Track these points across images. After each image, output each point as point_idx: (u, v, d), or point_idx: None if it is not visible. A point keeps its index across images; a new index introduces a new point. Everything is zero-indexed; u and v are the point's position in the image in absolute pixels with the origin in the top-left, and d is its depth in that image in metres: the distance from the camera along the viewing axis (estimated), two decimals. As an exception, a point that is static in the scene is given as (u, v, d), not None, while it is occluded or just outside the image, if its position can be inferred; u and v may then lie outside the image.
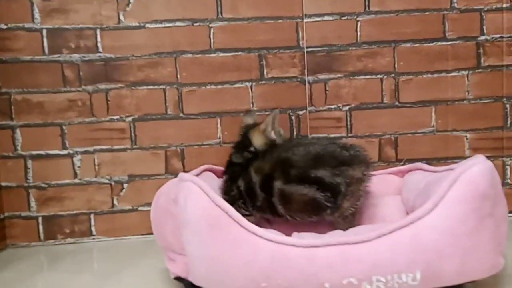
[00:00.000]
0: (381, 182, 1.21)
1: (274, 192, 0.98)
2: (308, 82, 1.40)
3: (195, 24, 1.36)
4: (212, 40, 1.37)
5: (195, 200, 0.87)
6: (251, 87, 1.39)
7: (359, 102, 1.41)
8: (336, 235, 0.87)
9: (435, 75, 1.41)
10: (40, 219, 1.38)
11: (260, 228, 0.84)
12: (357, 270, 0.78)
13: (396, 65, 1.40)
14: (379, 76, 1.40)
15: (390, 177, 1.24)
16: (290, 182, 0.97)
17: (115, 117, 1.38)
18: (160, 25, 1.36)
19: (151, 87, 1.38)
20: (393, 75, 1.40)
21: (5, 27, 1.32)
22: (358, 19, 1.38)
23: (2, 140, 1.35)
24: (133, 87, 1.37)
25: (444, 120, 1.42)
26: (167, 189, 1.02)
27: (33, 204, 1.37)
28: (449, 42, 1.40)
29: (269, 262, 0.80)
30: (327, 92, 1.40)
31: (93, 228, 1.40)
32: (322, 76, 1.40)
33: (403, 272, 0.78)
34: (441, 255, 0.79)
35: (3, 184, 1.36)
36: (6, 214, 1.37)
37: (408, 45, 1.40)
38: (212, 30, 1.37)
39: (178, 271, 0.92)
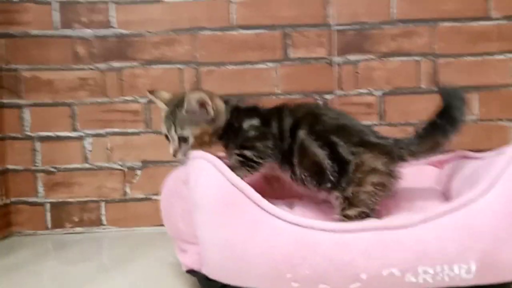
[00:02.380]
0: (418, 173, 1.09)
1: (296, 140, 0.90)
2: (337, 64, 1.28)
3: (215, -1, 1.27)
4: (233, 16, 1.27)
5: (207, 179, 0.76)
6: (274, 68, 1.29)
7: (393, 87, 1.29)
8: (372, 220, 0.75)
9: (478, 58, 1.28)
10: (47, 206, 1.29)
11: (282, 210, 0.73)
12: (399, 259, 0.66)
13: (435, 46, 1.28)
14: (415, 58, 1.28)
15: (428, 168, 1.12)
16: (311, 135, 0.89)
17: (128, 98, 1.29)
18: (178, -1, 1.27)
19: (166, 66, 1.29)
20: (431, 57, 1.28)
21: (15, -1, 1.26)
22: (393, -6, 1.27)
23: (9, 120, 1.27)
24: (147, 66, 1.28)
25: (487, 108, 1.28)
26: (178, 171, 0.92)
27: (40, 189, 1.29)
28: (494, 22, 1.27)
29: (294, 249, 0.69)
30: (357, 74, 1.29)
31: (103, 217, 1.30)
32: (352, 57, 1.28)
33: (455, 262, 0.65)
34: (499, 243, 0.66)
35: (10, 167, 1.28)
36: (12, 199, 1.28)
37: (449, 24, 1.27)
38: (233, 5, 1.27)
39: (190, 263, 0.81)
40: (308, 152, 0.89)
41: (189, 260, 0.80)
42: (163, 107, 0.94)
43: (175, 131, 0.91)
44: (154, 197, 1.31)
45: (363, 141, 0.88)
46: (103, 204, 1.30)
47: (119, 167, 1.30)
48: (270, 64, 1.28)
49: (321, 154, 0.87)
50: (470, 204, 0.68)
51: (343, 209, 0.84)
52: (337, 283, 0.68)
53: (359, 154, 0.86)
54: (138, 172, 1.30)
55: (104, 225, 1.30)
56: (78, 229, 1.30)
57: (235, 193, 0.74)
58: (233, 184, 0.75)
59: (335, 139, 0.88)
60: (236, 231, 0.72)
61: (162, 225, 1.26)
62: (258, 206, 0.73)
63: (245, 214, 0.72)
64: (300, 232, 0.70)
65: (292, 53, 1.28)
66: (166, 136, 0.93)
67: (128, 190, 1.30)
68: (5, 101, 1.27)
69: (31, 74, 1.27)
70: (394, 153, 0.88)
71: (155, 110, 1.29)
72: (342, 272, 0.67)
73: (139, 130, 1.29)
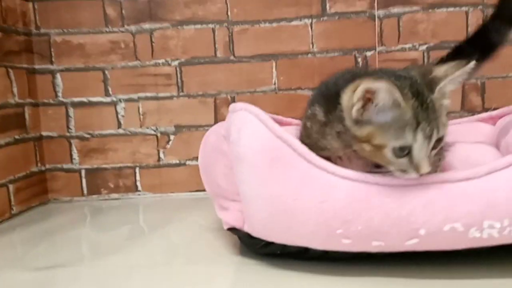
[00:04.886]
0: (469, 129, 1.02)
1: None
2: (378, 17, 1.21)
3: (247, -48, 1.20)
4: (267, -30, 1.21)
5: (251, 132, 0.72)
6: (311, 24, 1.22)
7: (438, 40, 1.20)
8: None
9: None
10: (83, 172, 1.28)
11: (331, 164, 0.68)
12: (463, 213, 0.60)
13: (486, -5, 1.18)
14: (464, 8, 1.19)
15: (479, 124, 1.05)
16: None
17: (160, 61, 1.25)
18: (209, -46, 1.21)
19: (198, 26, 1.23)
20: (480, 6, 1.18)
21: (43, -40, 1.22)
22: None
23: (42, 86, 1.25)
24: (179, 27, 1.23)
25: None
26: (218, 127, 0.88)
27: (75, 155, 1.28)
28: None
29: (345, 203, 0.64)
30: (400, 28, 1.21)
31: (138, 183, 1.29)
32: (395, 10, 1.20)
33: (526, 215, 0.59)
34: None
35: (44, 133, 1.27)
36: (47, 166, 1.28)
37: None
38: (267, -42, 1.20)
39: (232, 221, 0.78)
40: None
41: (231, 218, 0.77)
42: (394, 102, 0.59)
43: (437, 133, 0.61)
44: (189, 162, 1.28)
45: None
46: (137, 170, 1.28)
47: (153, 132, 1.27)
48: (307, 21, 1.22)
49: None
50: (542, 153, 0.62)
51: None
52: (392, 239, 0.63)
53: None
54: (172, 137, 1.27)
55: (139, 191, 1.29)
56: (114, 195, 1.29)
57: (281, 147, 0.69)
58: (279, 137, 0.70)
59: None
60: (283, 186, 0.68)
61: (197, 190, 1.27)
62: (307, 160, 0.68)
63: (292, 169, 0.68)
64: (352, 186, 0.65)
65: (330, 8, 1.21)
66: (402, 149, 0.60)
67: (162, 155, 1.28)
68: (37, 66, 1.25)
69: (62, 38, 1.24)
70: None
71: (187, 73, 1.25)
72: (398, 228, 0.62)
73: (171, 94, 1.26)
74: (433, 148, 0.62)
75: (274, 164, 0.69)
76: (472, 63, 0.62)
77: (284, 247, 0.71)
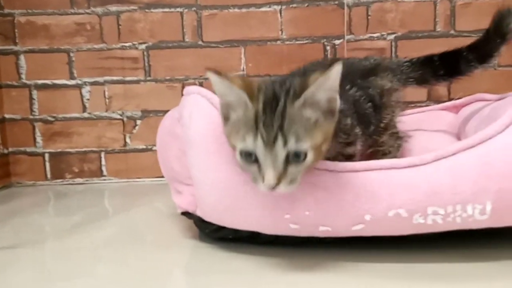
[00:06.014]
0: (432, 118, 1.04)
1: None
2: (347, 6, 1.20)
3: None
4: (236, -46, 1.19)
5: (202, 116, 0.71)
6: (280, 11, 1.21)
7: (406, 30, 1.20)
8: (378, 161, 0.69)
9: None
10: (46, 156, 1.26)
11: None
12: (407, 200, 0.61)
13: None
14: (431, -2, 1.19)
15: (443, 113, 1.06)
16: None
17: (127, 44, 1.23)
18: None
19: (167, 9, 1.21)
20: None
21: None
22: None
23: (5, 67, 1.23)
24: (147, 10, 1.21)
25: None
26: (173, 111, 0.87)
27: (39, 139, 1.25)
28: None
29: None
30: (369, 17, 1.20)
31: (103, 168, 1.27)
32: (364, -2, 1.20)
33: (469, 202, 0.60)
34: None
35: (7, 116, 1.24)
36: (10, 149, 1.25)
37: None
38: None
39: (185, 205, 0.77)
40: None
41: (184, 202, 0.76)
42: (241, 99, 0.57)
43: (284, 143, 0.55)
44: (155, 147, 1.26)
45: (365, 71, 0.81)
46: (103, 154, 1.26)
47: (119, 116, 1.25)
48: (276, 7, 1.21)
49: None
50: (487, 140, 0.62)
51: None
52: (338, 225, 0.63)
53: (371, 83, 0.79)
54: (138, 122, 1.26)
55: (105, 176, 1.27)
56: (79, 180, 1.27)
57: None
58: (229, 121, 0.69)
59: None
60: (232, 171, 0.67)
61: (163, 176, 1.25)
62: (256, 144, 0.68)
63: (242, 153, 0.68)
64: (301, 172, 0.65)
65: (300, -5, 1.20)
66: (249, 155, 0.57)
67: (128, 140, 1.26)
68: (0, 47, 1.22)
69: (26, 19, 1.21)
70: (389, 65, 0.85)
71: (155, 57, 1.23)
72: (344, 213, 0.62)
73: (138, 78, 1.24)
74: (291, 163, 0.56)
75: (224, 148, 0.68)
76: (336, 68, 0.54)
77: (235, 231, 0.70)
